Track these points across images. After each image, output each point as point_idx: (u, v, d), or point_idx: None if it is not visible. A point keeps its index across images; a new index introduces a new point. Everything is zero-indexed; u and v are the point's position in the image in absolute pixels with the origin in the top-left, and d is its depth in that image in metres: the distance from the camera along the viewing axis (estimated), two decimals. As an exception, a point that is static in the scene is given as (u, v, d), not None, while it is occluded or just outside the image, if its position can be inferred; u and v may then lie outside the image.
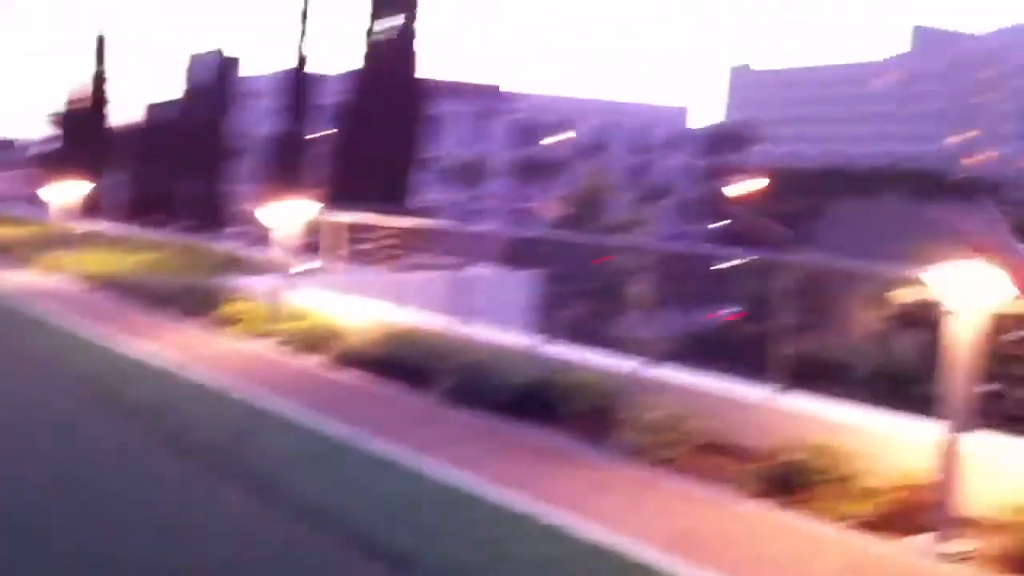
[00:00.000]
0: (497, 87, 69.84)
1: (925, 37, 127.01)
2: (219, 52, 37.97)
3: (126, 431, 9.04)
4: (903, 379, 9.18)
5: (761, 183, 60.16)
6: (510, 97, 68.74)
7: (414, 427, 9.21)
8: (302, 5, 31.34)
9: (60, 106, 47.23)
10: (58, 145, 47.05)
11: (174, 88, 40.21)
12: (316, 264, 17.19)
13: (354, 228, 17.86)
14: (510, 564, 6.09)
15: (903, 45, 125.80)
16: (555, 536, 6.49)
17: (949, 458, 6.42)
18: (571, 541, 6.41)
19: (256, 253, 19.83)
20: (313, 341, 12.87)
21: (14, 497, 7.17)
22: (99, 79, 43.94)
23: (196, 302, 15.68)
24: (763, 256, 11.52)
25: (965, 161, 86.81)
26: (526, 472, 7.82)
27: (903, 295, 11.90)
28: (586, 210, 31.77)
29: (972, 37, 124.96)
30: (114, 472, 7.91)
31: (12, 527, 6.59)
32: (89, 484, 7.55)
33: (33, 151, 66.18)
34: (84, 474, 7.79)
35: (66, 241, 21.75)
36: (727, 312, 21.21)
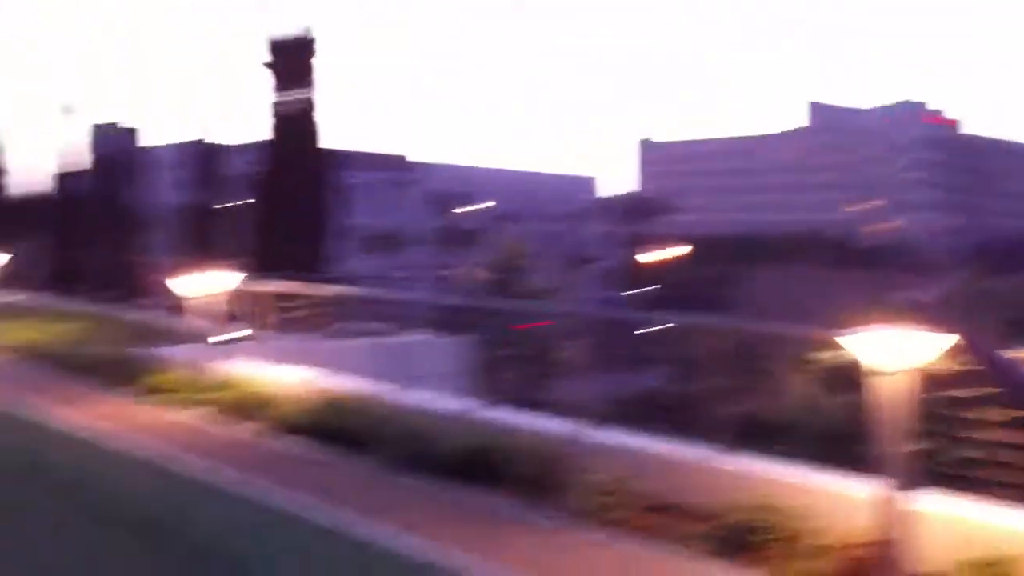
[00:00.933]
0: (404, 157, 70.64)
1: (819, 112, 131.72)
2: (115, 124, 37.76)
3: (51, 505, 8.73)
4: (838, 438, 9.39)
5: (682, 250, 61.40)
6: (417, 167, 69.56)
7: (356, 493, 9.09)
8: (199, 78, 31.50)
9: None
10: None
11: (79, 158, 39.58)
12: (245, 332, 16.96)
13: (279, 296, 17.71)
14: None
15: (800, 119, 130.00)
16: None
17: (894, 516, 6.58)
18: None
19: (175, 323, 19.46)
20: (245, 409, 12.64)
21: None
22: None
23: (120, 372, 15.31)
24: (689, 320, 11.77)
25: (866, 229, 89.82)
26: (475, 536, 7.77)
27: (826, 357, 12.23)
28: (508, 276, 31.97)
29: (862, 112, 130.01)
30: (44, 547, 7.62)
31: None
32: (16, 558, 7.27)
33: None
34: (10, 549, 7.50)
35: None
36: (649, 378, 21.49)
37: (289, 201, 28.77)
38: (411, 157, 71.19)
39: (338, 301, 18.70)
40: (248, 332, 16.73)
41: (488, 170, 74.45)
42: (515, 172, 76.43)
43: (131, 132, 37.41)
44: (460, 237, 65.29)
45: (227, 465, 10.00)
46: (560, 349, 12.09)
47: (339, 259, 31.24)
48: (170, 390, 14.00)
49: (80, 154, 38.34)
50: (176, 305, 21.17)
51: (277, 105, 29.75)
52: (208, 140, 31.68)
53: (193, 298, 15.41)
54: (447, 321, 19.02)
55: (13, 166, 43.19)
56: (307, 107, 29.74)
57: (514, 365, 18.02)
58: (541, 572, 6.92)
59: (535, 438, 9.46)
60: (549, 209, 72.63)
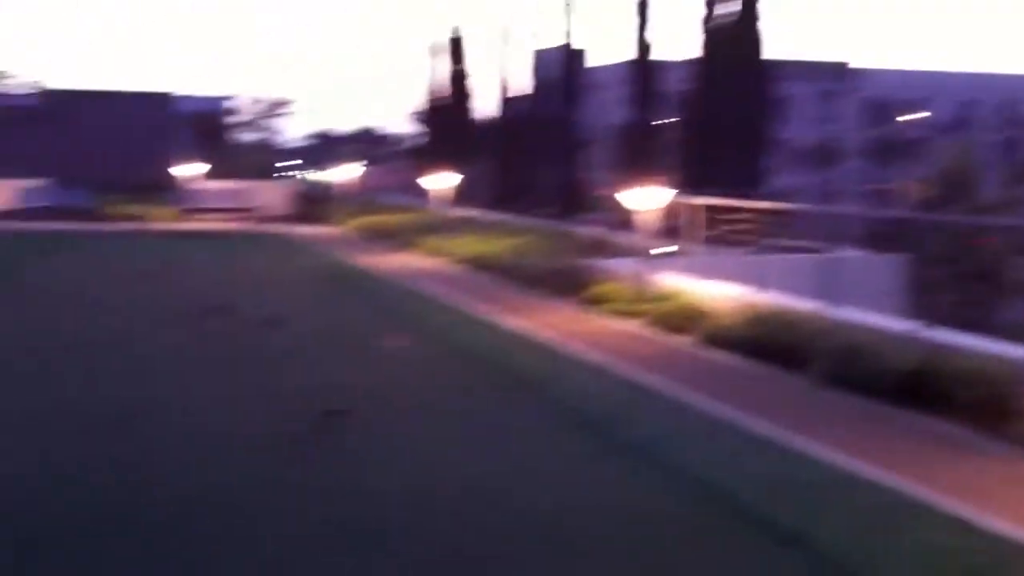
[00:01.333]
0: (845, 64, 66.72)
1: None
2: (566, 46, 39.34)
3: (513, 402, 9.71)
4: None
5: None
6: (859, 74, 65.44)
7: (790, 408, 9.22)
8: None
9: (422, 103, 50.87)
10: (425, 139, 50.73)
11: (523, 83, 42.07)
12: (673, 247, 17.50)
13: (712, 211, 17.96)
14: (905, 551, 5.89)
15: None
16: (958, 527, 6.22)
17: None
18: (978, 533, 6.13)
19: (615, 237, 20.47)
20: (679, 321, 13.16)
21: (422, 472, 7.96)
22: (459, 76, 47.07)
23: (564, 283, 16.50)
24: None
25: None
26: (918, 460, 7.59)
27: None
28: (952, 190, 29.78)
29: None
30: (504, 442, 8.52)
31: (425, 505, 7.33)
32: (484, 454, 8.22)
33: (403, 145, 71.82)
34: (479, 440, 8.49)
35: (441, 227, 23.55)
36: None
37: (722, 116, 28.73)
38: (852, 63, 67.18)
39: (769, 216, 18.61)
40: (681, 247, 17.25)
41: (934, 74, 68.52)
42: (966, 75, 69.59)
43: (574, 54, 38.95)
44: (899, 148, 61.33)
45: (664, 373, 10.54)
46: (1015, 267, 11.24)
47: (771, 174, 30.79)
48: (609, 300, 14.88)
49: (523, 78, 40.89)
50: (614, 220, 22.22)
51: (710, 19, 29.60)
52: (648, 58, 32.22)
53: (633, 212, 16.14)
54: (881, 238, 18.25)
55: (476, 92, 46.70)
56: (746, 18, 29.27)
57: (957, 284, 16.95)
58: (984, 501, 6.63)
59: (984, 362, 8.97)
60: (1004, 114, 65.88)
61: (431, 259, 22.33)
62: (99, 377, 10.55)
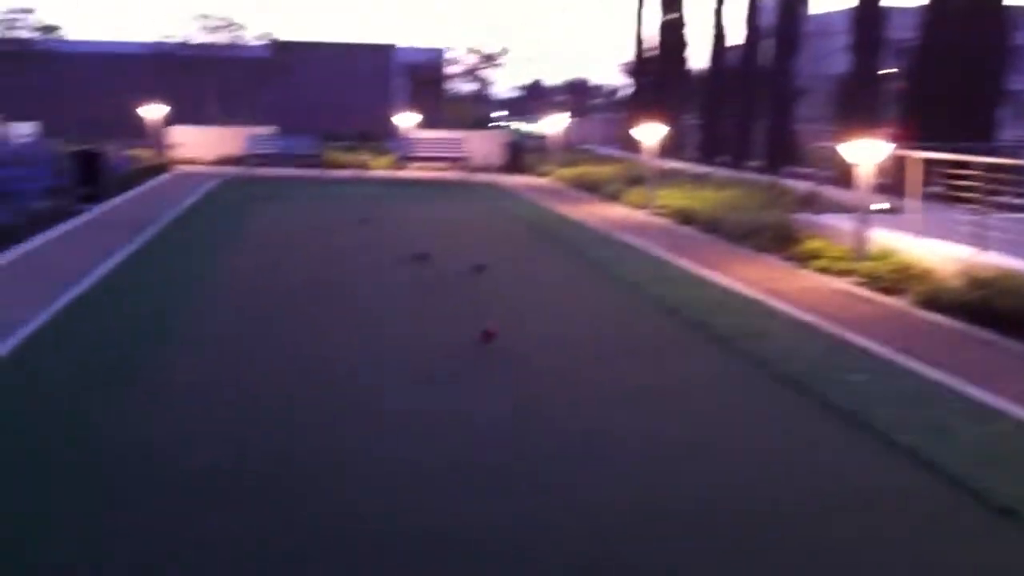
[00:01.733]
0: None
1: None
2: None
3: (717, 355, 9.72)
4: None
5: None
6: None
7: (1012, 376, 8.82)
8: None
9: (633, 53, 50.36)
10: (635, 90, 50.33)
11: (738, 32, 40.95)
12: (890, 204, 16.84)
13: (931, 166, 17.12)
14: None
15: None
16: None
17: None
18: None
19: (828, 191, 19.88)
20: (894, 281, 12.73)
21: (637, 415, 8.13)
22: (672, 25, 46.28)
23: (772, 239, 16.21)
24: None
25: None
26: None
27: None
28: None
29: None
30: (706, 394, 8.57)
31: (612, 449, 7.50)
32: (691, 406, 8.31)
33: (612, 96, 71.66)
34: (685, 392, 8.57)
35: (648, 179, 23.48)
36: None
37: (951, 65, 27.14)
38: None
39: (997, 172, 17.54)
40: (899, 204, 16.58)
41: None
42: None
43: (794, 1, 37.56)
44: None
45: (876, 334, 10.26)
46: None
47: (1001, 127, 28.90)
48: (820, 258, 14.52)
49: (738, 27, 39.79)
50: (827, 174, 21.55)
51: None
52: (876, 4, 30.72)
53: (849, 166, 15.63)
54: None
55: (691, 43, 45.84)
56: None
57: None
58: None
59: None
60: None
61: (637, 211, 22.37)
62: (331, 314, 11.26)
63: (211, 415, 7.50)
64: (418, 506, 5.83)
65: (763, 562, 5.26)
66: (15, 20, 39.40)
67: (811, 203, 19.03)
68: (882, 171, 15.91)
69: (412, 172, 32.83)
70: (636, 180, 25.49)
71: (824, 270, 14.13)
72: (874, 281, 12.98)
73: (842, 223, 15.67)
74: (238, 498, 5.91)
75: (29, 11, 40.29)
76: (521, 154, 35.22)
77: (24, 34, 39.86)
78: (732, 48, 40.53)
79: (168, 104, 34.99)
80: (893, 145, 15.44)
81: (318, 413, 7.59)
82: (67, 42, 40.97)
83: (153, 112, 33.80)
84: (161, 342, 9.66)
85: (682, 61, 44.74)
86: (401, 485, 6.17)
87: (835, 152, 16.57)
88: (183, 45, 39.97)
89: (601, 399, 8.09)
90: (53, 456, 6.53)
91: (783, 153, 30.04)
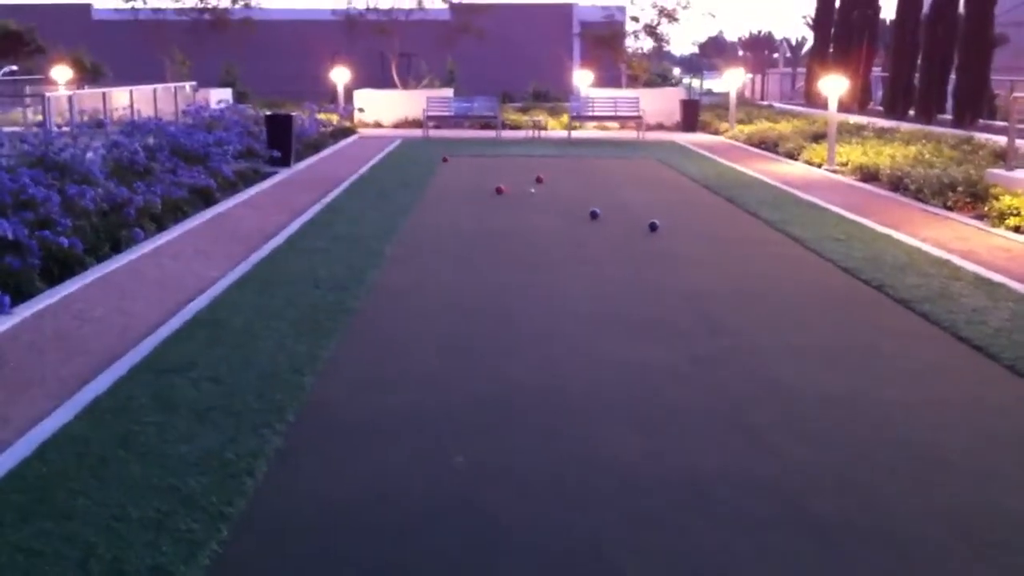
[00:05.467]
0: None
1: None
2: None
3: (904, 317, 9.50)
4: None
5: None
6: None
7: None
8: None
9: (816, 6, 48.51)
10: (817, 44, 48.57)
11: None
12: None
13: None
14: None
15: None
16: None
17: None
18: None
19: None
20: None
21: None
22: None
23: (963, 196, 15.54)
24: None
25: None
26: None
27: None
28: None
29: None
30: (884, 359, 8.41)
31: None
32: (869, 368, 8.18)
33: (792, 51, 69.37)
34: (867, 354, 8.44)
35: (829, 134, 22.78)
36: None
37: None
38: None
39: None
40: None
41: None
42: None
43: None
44: None
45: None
46: None
47: None
48: (1015, 216, 13.87)
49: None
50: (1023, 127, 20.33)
51: None
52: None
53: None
54: None
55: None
56: None
57: None
58: None
59: None
60: None
61: (816, 169, 21.79)
62: (511, 260, 11.59)
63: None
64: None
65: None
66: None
67: (1006, 158, 18.11)
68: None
69: (587, 132, 32.90)
70: (817, 136, 24.77)
71: (1018, 228, 13.50)
72: (1073, 240, 12.31)
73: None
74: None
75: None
76: (697, 111, 34.71)
77: (222, 3, 41.89)
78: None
79: (353, 69, 36.17)
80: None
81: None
82: (260, 10, 42.80)
83: (339, 76, 35.02)
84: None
85: (870, 6, 42.83)
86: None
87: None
88: (369, 10, 41.13)
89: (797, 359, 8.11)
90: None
91: (977, 105, 28.49)
